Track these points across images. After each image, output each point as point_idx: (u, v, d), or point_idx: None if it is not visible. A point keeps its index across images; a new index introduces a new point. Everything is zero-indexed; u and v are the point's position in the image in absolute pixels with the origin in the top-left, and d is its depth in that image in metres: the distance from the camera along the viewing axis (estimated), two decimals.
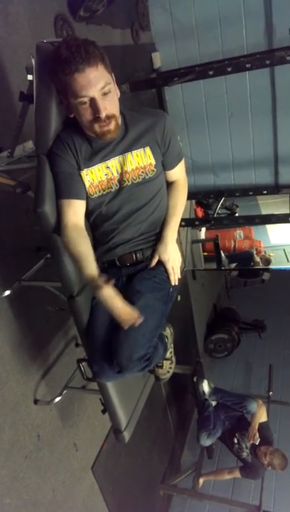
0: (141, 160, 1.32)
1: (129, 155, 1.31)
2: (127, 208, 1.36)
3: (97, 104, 1.14)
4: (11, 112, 1.83)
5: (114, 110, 1.20)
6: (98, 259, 1.50)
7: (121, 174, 1.32)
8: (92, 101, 1.14)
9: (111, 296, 1.26)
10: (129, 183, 1.33)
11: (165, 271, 1.44)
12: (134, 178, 1.33)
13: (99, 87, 1.13)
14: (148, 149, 1.33)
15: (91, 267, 1.27)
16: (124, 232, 1.38)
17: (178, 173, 1.49)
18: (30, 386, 2.00)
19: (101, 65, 1.13)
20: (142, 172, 1.33)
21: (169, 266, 1.43)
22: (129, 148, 1.31)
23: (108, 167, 1.31)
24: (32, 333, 2.01)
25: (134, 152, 1.31)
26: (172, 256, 1.43)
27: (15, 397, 1.89)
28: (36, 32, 2.09)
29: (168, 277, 1.45)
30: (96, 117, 1.17)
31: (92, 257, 1.29)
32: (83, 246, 1.29)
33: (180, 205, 1.48)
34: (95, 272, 1.27)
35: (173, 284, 1.47)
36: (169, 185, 1.51)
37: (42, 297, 1.92)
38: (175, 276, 1.46)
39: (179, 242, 1.51)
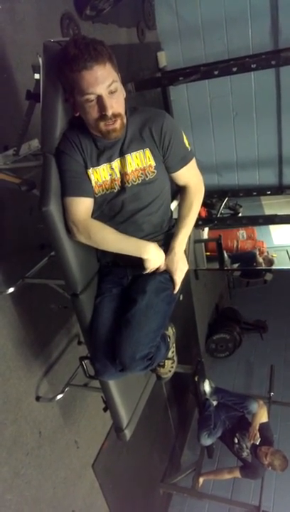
0: (140, 161, 1.31)
1: (128, 156, 1.30)
2: (129, 208, 1.36)
3: (103, 102, 1.14)
4: (16, 110, 1.84)
5: (120, 109, 1.20)
6: (101, 259, 1.51)
7: (122, 175, 1.32)
8: (99, 98, 1.14)
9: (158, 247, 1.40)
10: (129, 185, 1.32)
11: (172, 279, 1.46)
12: (134, 179, 1.32)
13: (106, 84, 1.13)
14: (147, 151, 1.31)
15: (132, 238, 1.36)
16: (126, 232, 1.39)
17: (185, 178, 1.43)
18: (33, 383, 2.02)
19: (109, 63, 1.13)
20: (141, 173, 1.32)
21: (176, 276, 1.45)
22: (129, 150, 1.30)
23: (112, 168, 1.31)
24: (35, 331, 2.02)
25: (134, 154, 1.30)
26: (179, 267, 1.44)
27: (17, 394, 1.90)
28: (43, 31, 2.10)
29: (171, 279, 1.46)
30: (102, 115, 1.17)
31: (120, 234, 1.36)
32: (108, 228, 1.35)
33: (190, 217, 1.45)
34: (135, 239, 1.37)
35: (175, 292, 1.49)
36: (181, 190, 1.49)
37: (45, 295, 1.93)
38: (178, 286, 1.48)
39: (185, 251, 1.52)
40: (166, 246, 1.45)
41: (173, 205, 1.62)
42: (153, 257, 1.37)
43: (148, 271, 1.41)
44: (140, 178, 1.32)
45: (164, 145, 1.31)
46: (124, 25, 3.04)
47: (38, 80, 1.30)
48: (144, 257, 1.35)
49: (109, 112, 1.16)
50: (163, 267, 1.43)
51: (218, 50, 3.30)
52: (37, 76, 1.30)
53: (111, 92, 1.15)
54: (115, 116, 1.18)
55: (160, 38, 3.53)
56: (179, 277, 1.46)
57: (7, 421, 1.83)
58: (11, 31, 1.89)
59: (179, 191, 1.50)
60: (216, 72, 2.62)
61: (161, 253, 1.41)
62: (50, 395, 2.08)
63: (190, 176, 1.45)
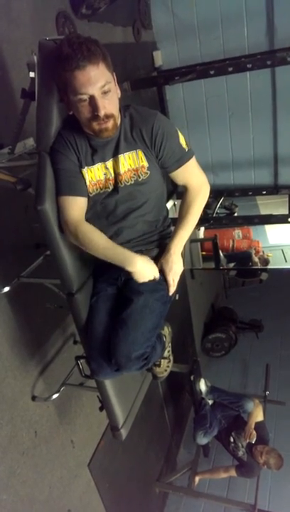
0: (133, 162, 1.31)
1: (121, 157, 1.29)
2: (122, 208, 1.36)
3: (96, 103, 1.14)
4: (12, 108, 1.83)
5: (113, 110, 1.19)
6: (97, 258, 1.51)
7: (116, 175, 1.32)
8: (92, 99, 1.14)
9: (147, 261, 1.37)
10: (122, 185, 1.32)
11: (165, 280, 1.44)
12: (127, 180, 1.31)
13: (99, 85, 1.12)
14: (140, 152, 1.30)
15: (120, 248, 1.33)
16: (121, 232, 1.38)
17: (183, 178, 1.41)
18: (28, 382, 2.01)
19: (103, 63, 1.12)
20: (134, 174, 1.31)
21: (169, 278, 1.43)
22: (122, 151, 1.29)
23: (107, 167, 1.31)
24: (30, 330, 2.01)
25: (126, 154, 1.30)
26: (173, 268, 1.42)
27: (13, 394, 1.89)
28: (38, 29, 2.09)
29: (166, 284, 1.45)
30: (94, 115, 1.16)
31: (110, 241, 1.34)
32: (99, 233, 1.32)
33: (189, 218, 1.41)
34: (123, 249, 1.33)
35: (170, 294, 1.46)
36: (183, 191, 1.47)
37: (41, 294, 1.92)
38: (172, 288, 1.45)
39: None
40: (161, 246, 1.45)
41: (169, 204, 1.62)
42: (140, 269, 1.33)
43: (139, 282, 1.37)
44: (133, 179, 1.32)
45: (156, 146, 1.30)
46: (119, 24, 3.03)
47: (33, 78, 1.30)
48: (129, 269, 1.32)
49: (102, 113, 1.15)
50: (157, 278, 1.39)
51: (214, 50, 3.31)
52: (32, 74, 1.29)
53: (105, 93, 1.14)
54: (108, 116, 1.18)
55: (156, 38, 3.53)
56: (173, 279, 1.44)
57: (2, 420, 1.83)
58: (6, 29, 1.89)
59: (180, 191, 1.49)
60: (212, 72, 2.62)
61: (152, 266, 1.37)
62: (45, 395, 2.08)
63: (189, 176, 1.41)
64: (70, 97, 1.15)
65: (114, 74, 1.20)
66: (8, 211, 1.88)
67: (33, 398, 2.02)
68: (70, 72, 1.10)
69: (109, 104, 1.17)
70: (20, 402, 1.94)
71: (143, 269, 1.34)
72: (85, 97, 1.13)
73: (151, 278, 1.37)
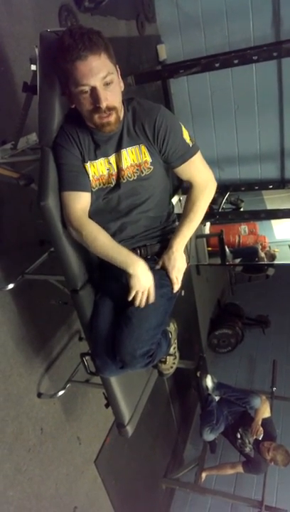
0: (136, 157, 1.28)
1: (124, 152, 1.27)
2: (125, 203, 1.33)
3: (97, 94, 1.11)
4: (14, 103, 1.82)
5: (116, 102, 1.16)
6: None
7: (118, 170, 1.29)
8: (93, 90, 1.11)
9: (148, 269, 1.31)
10: (124, 181, 1.29)
11: (168, 277, 1.41)
12: (129, 175, 1.29)
13: (100, 76, 1.10)
14: (143, 146, 1.27)
15: (124, 249, 1.30)
16: (125, 228, 1.36)
17: (187, 174, 1.37)
18: (34, 379, 2.01)
19: (105, 54, 1.10)
20: (137, 169, 1.29)
21: (172, 275, 1.40)
22: (125, 145, 1.27)
23: (110, 162, 1.29)
24: (35, 327, 2.01)
25: (129, 149, 1.27)
26: (176, 265, 1.40)
27: (18, 391, 1.89)
28: (40, 23, 2.07)
29: (170, 281, 1.42)
30: (96, 107, 1.14)
31: (114, 241, 1.31)
32: (104, 232, 1.30)
33: (192, 215, 1.38)
34: (128, 251, 1.30)
35: (174, 292, 1.44)
36: (189, 187, 1.44)
37: (45, 291, 1.91)
38: (176, 286, 1.43)
39: (186, 246, 1.47)
40: (164, 242, 1.43)
41: (174, 200, 1.59)
42: (139, 274, 1.28)
43: (130, 297, 1.30)
44: (135, 174, 1.29)
45: (159, 141, 1.27)
46: (123, 18, 3.00)
47: (34, 72, 1.28)
48: (130, 271, 1.28)
49: (103, 105, 1.12)
50: (152, 299, 1.32)
51: (219, 43, 3.27)
52: (34, 67, 1.27)
53: (107, 84, 1.12)
54: (110, 109, 1.15)
55: (160, 31, 3.49)
56: (176, 276, 1.41)
57: (8, 418, 1.83)
58: (8, 23, 1.86)
59: (185, 187, 1.46)
60: (217, 65, 2.59)
61: (150, 276, 1.31)
62: (51, 392, 2.08)
63: (194, 172, 1.38)
64: (72, 88, 1.13)
65: (117, 66, 1.17)
66: (12, 207, 1.86)
67: (39, 395, 2.02)
68: (72, 63, 1.07)
69: (111, 96, 1.14)
70: (26, 399, 1.94)
71: (142, 275, 1.29)
72: (87, 88, 1.11)
73: (144, 287, 1.30)
